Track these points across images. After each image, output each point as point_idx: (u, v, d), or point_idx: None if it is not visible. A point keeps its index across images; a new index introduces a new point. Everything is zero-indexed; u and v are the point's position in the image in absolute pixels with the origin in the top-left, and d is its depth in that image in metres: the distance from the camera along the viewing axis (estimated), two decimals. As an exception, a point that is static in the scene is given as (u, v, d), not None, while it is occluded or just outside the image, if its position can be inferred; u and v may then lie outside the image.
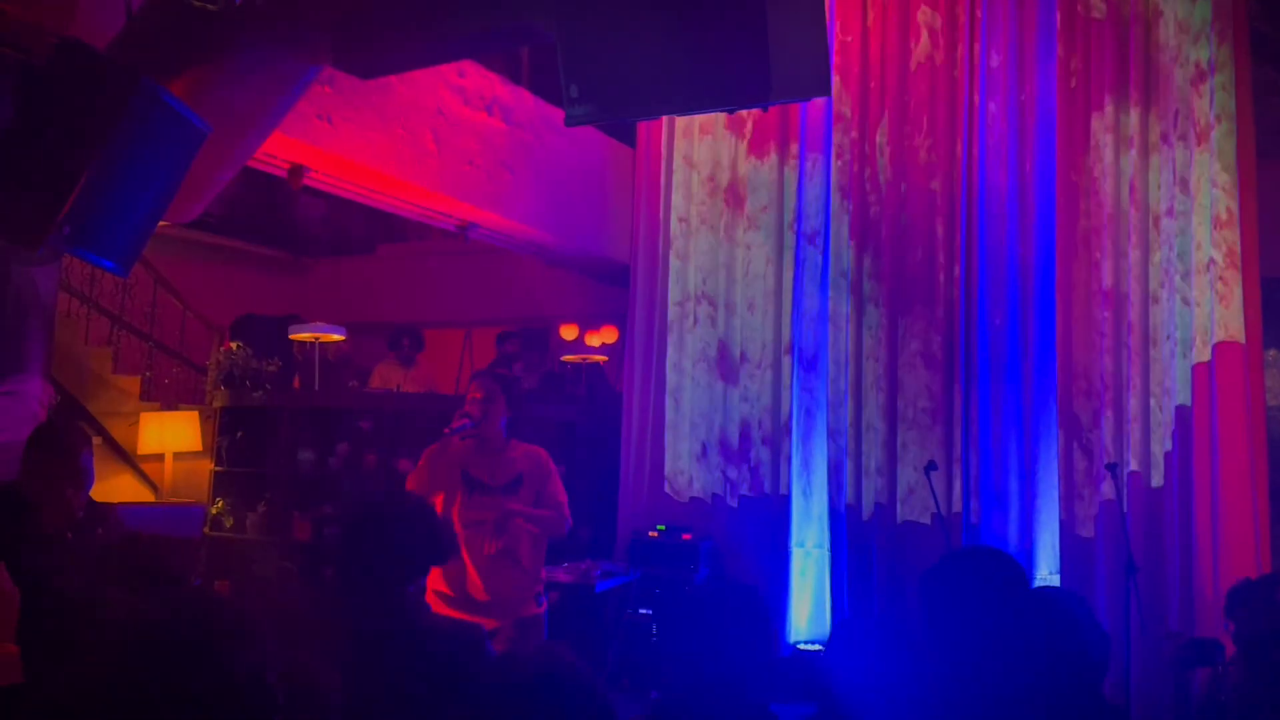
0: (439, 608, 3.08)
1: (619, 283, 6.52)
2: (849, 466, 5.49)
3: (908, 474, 5.41)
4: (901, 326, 5.48)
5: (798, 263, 5.68)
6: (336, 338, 6.05)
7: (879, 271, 5.57)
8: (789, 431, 5.60)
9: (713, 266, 5.96)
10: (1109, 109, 5.10)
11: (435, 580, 3.15)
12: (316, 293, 8.71)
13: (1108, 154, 5.08)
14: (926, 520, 5.30)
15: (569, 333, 7.67)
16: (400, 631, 1.68)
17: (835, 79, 5.43)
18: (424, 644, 1.66)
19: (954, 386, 5.32)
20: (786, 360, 5.66)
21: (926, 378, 5.41)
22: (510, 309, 8.11)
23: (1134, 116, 5.04)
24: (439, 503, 3.14)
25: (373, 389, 6.36)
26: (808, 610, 5.52)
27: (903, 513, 5.40)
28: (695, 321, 5.91)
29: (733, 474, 5.83)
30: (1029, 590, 2.09)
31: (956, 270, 5.40)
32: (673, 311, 6.00)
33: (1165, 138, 4.98)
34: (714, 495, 5.86)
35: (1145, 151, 5.02)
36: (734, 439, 5.82)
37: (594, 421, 6.10)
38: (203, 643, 1.13)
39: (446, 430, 3.14)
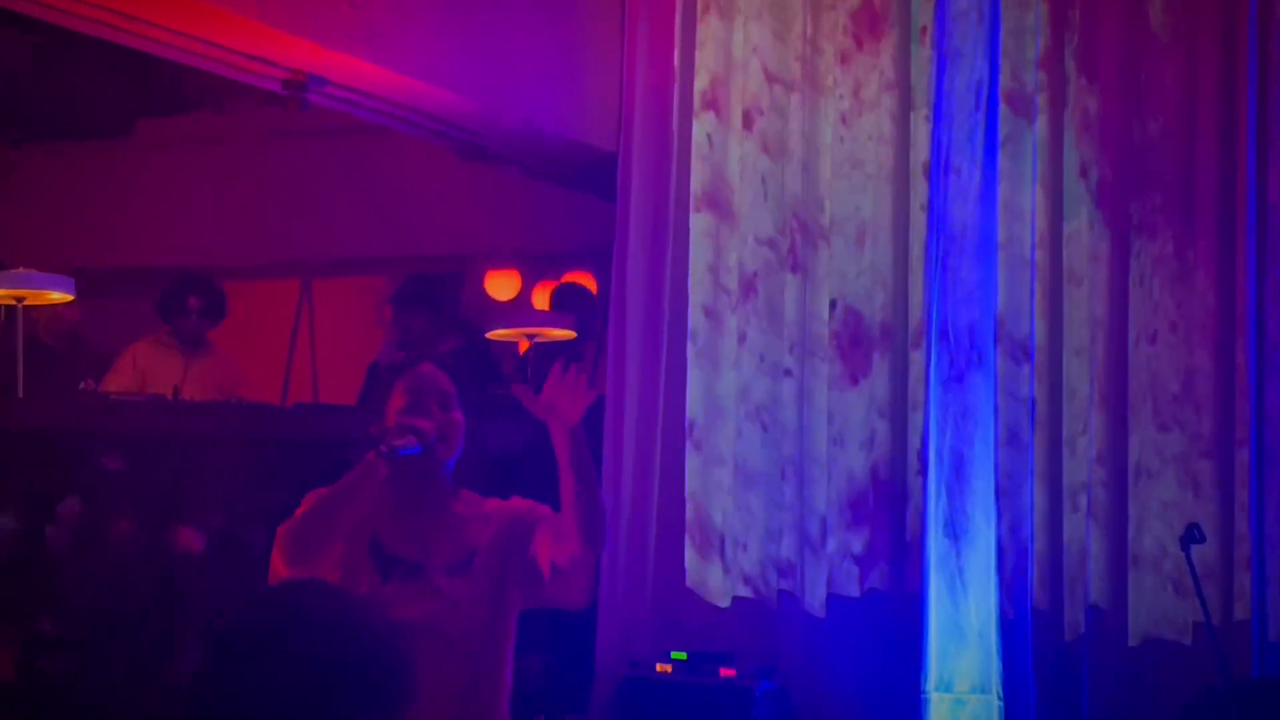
0: None
1: (597, 191, 6.34)
2: (1037, 544, 5.33)
3: (1149, 551, 5.22)
4: (1142, 276, 5.39)
5: (939, 164, 5.52)
6: (57, 298, 6.04)
7: (1101, 166, 5.45)
8: (924, 478, 5.37)
9: (778, 163, 5.80)
10: None
11: None
12: (18, 214, 8.08)
13: None
14: (1186, 639, 5.15)
15: (501, 285, 7.71)
16: None
17: None
18: None
19: (1237, 389, 5.23)
20: (918, 352, 5.52)
21: (1185, 375, 5.31)
22: (391, 242, 7.98)
23: None
24: None
25: (123, 394, 6.12)
26: None
27: (1139, 625, 5.22)
28: (743, 273, 5.81)
29: (817, 555, 5.61)
30: None
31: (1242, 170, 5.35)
32: (700, 251, 5.85)
33: None
34: (781, 594, 5.59)
35: None
36: (818, 492, 5.64)
37: (550, 455, 5.03)
38: None
39: (378, 449, 3.11)
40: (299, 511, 3.27)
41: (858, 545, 5.55)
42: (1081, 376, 5.39)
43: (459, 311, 7.57)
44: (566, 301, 7.15)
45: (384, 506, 3.30)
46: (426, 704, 2.81)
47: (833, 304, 5.65)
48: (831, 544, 5.56)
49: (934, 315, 5.38)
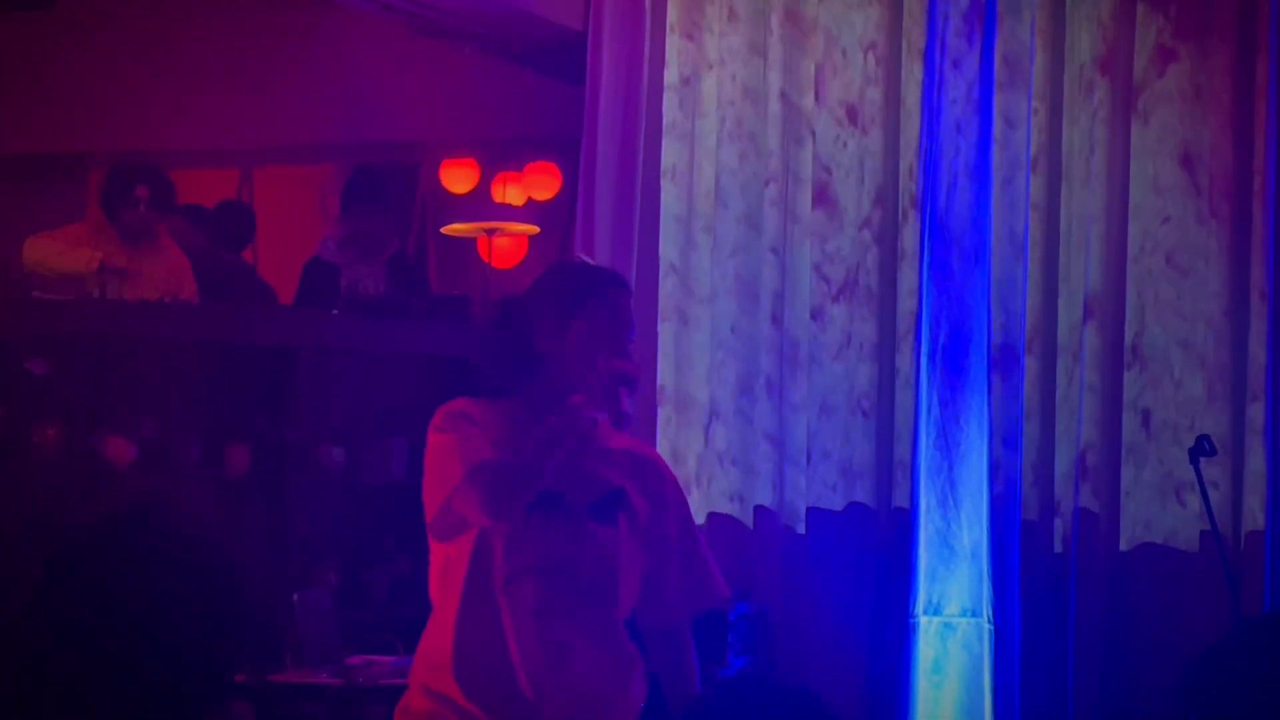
0: None
1: (564, 75, 6.23)
2: (1029, 453, 5.27)
3: (1149, 459, 5.15)
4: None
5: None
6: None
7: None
8: (915, 370, 5.27)
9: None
10: None
11: (427, 673, 3.04)
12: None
13: None
14: (1192, 546, 5.08)
15: (458, 177, 7.45)
16: None
17: None
18: None
19: (1256, 262, 5.10)
20: (910, 227, 5.39)
21: (1198, 245, 5.17)
22: (336, 127, 7.80)
23: None
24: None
25: (42, 268, 5.88)
26: None
27: (1133, 531, 5.16)
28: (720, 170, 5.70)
29: (796, 467, 5.49)
30: None
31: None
32: (674, 144, 5.68)
33: None
34: (758, 509, 5.48)
35: None
36: (799, 392, 5.51)
37: (509, 361, 5.07)
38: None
39: (583, 414, 2.89)
40: (464, 434, 2.99)
41: (841, 457, 5.40)
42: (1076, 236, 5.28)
43: (413, 207, 7.47)
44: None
45: (517, 429, 3.11)
46: (545, 648, 2.95)
47: (817, 196, 5.50)
48: (814, 455, 5.43)
49: (927, 210, 5.21)
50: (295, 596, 4.65)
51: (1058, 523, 5.28)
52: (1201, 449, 4.58)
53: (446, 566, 3.00)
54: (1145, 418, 5.31)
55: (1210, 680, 2.27)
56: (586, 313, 3.00)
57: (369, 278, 6.68)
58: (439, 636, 3.03)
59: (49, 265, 5.97)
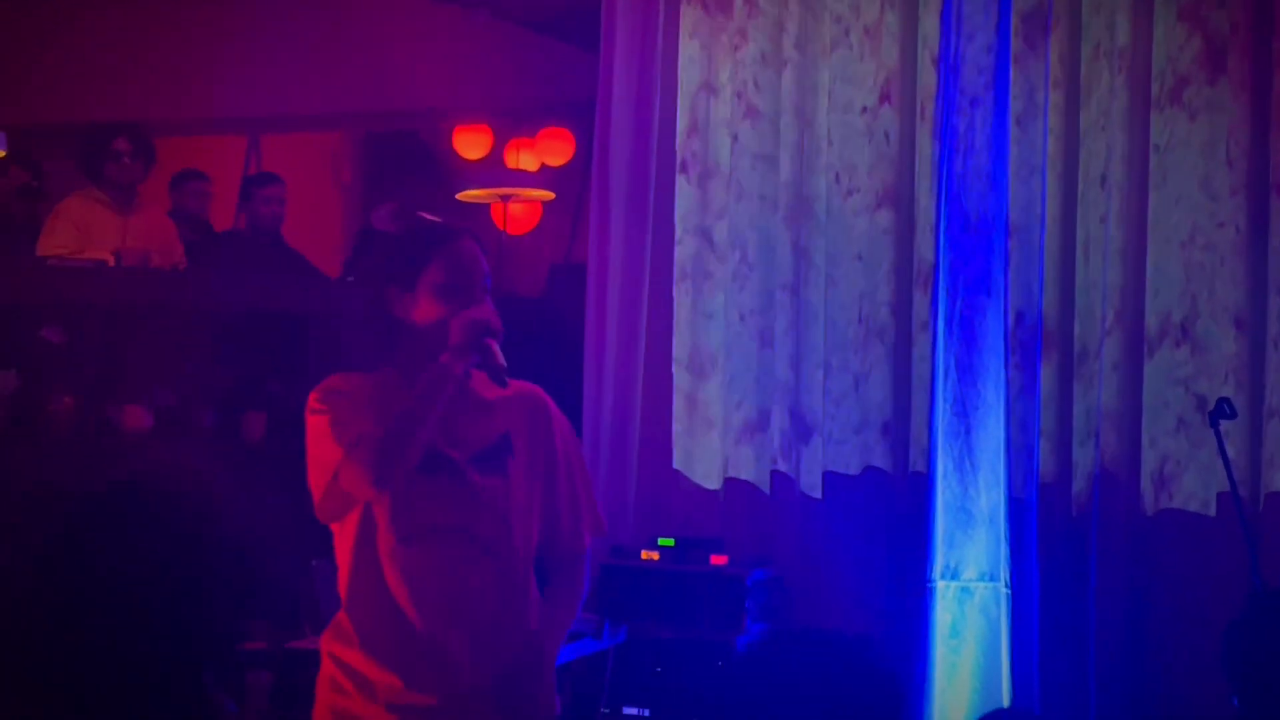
0: (351, 707, 2.92)
1: (577, 40, 6.38)
2: (1045, 417, 5.26)
3: (1166, 421, 5.14)
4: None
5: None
6: (-14, 153, 6.32)
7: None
8: (933, 337, 5.26)
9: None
10: None
11: (336, 645, 2.97)
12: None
13: None
14: (1210, 510, 5.08)
15: (471, 144, 7.64)
16: None
17: None
18: None
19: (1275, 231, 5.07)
20: (927, 194, 5.35)
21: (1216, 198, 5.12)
22: (350, 94, 7.75)
23: None
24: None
25: (68, 259, 5.80)
26: (965, 708, 5.15)
27: (1156, 496, 5.17)
28: (742, 105, 5.66)
29: (813, 432, 5.57)
30: None
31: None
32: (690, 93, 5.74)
33: None
34: (775, 474, 5.57)
35: None
36: (815, 364, 5.55)
37: (526, 330, 5.29)
38: None
39: (460, 354, 2.87)
40: (339, 412, 2.94)
41: (857, 420, 5.43)
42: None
43: (431, 168, 7.52)
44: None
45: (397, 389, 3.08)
46: (462, 608, 2.92)
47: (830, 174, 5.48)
48: (830, 420, 5.46)
49: (943, 176, 5.13)
50: (314, 563, 4.67)
51: (1076, 486, 5.25)
52: (1222, 411, 4.58)
53: (338, 541, 2.99)
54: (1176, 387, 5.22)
55: (1244, 652, 2.31)
56: (429, 269, 2.94)
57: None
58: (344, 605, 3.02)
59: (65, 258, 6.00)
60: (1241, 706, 2.39)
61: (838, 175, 5.48)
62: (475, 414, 3.02)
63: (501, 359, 2.91)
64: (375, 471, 2.83)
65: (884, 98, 5.49)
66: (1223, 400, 4.69)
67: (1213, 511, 5.11)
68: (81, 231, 6.02)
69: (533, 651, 3.06)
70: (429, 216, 3.74)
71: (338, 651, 3.00)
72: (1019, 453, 5.23)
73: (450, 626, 2.98)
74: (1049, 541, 5.24)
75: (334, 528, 3.00)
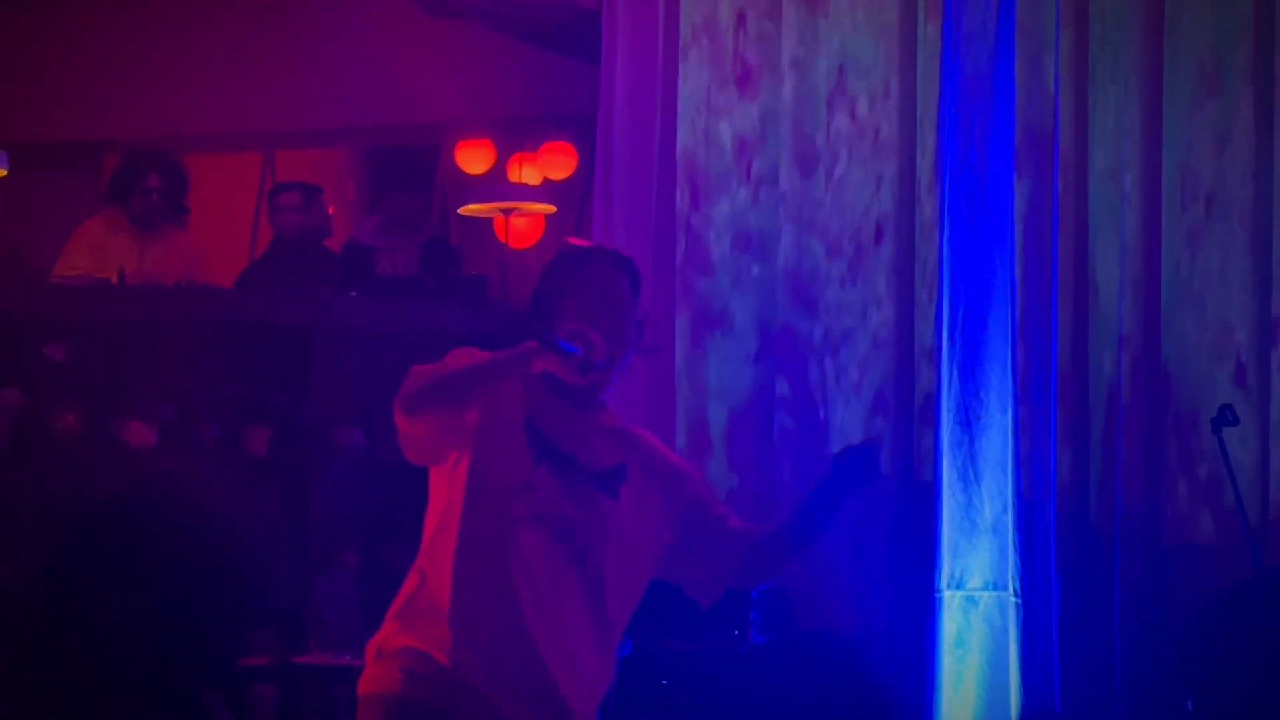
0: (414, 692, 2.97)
1: (578, 54, 6.27)
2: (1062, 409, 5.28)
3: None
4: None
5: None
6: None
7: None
8: (936, 359, 5.22)
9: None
10: None
11: (403, 634, 3.03)
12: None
13: None
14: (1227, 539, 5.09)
15: (474, 158, 7.45)
16: None
17: None
18: None
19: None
20: (930, 197, 5.33)
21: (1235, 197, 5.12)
22: (353, 110, 7.69)
23: None
24: (466, 463, 3.00)
25: (71, 277, 5.91)
26: (970, 718, 5.12)
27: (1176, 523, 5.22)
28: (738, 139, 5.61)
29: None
30: None
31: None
32: (691, 106, 5.63)
33: None
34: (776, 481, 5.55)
35: None
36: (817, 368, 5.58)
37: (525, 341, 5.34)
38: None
39: (544, 340, 2.92)
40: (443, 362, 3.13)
41: (863, 428, 5.38)
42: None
43: (432, 188, 7.51)
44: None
45: (539, 393, 3.14)
46: (551, 599, 3.00)
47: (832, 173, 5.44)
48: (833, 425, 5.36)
49: (945, 181, 5.11)
50: (317, 579, 4.64)
51: (1093, 494, 5.23)
52: (1225, 418, 4.54)
53: (446, 510, 3.03)
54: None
55: (1220, 629, 2.25)
56: (569, 293, 3.07)
57: (402, 259, 6.70)
58: (436, 579, 3.05)
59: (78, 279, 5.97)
60: (1196, 711, 2.34)
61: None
62: (600, 437, 3.12)
63: (586, 375, 2.95)
64: (412, 391, 2.94)
65: (885, 96, 5.42)
66: (1225, 407, 4.64)
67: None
68: (98, 255, 6.01)
69: (588, 697, 3.08)
70: (574, 241, 3.81)
71: (413, 641, 3.02)
72: (1031, 459, 5.18)
73: (538, 621, 3.02)
74: (1066, 549, 5.17)
75: (434, 506, 3.06)
